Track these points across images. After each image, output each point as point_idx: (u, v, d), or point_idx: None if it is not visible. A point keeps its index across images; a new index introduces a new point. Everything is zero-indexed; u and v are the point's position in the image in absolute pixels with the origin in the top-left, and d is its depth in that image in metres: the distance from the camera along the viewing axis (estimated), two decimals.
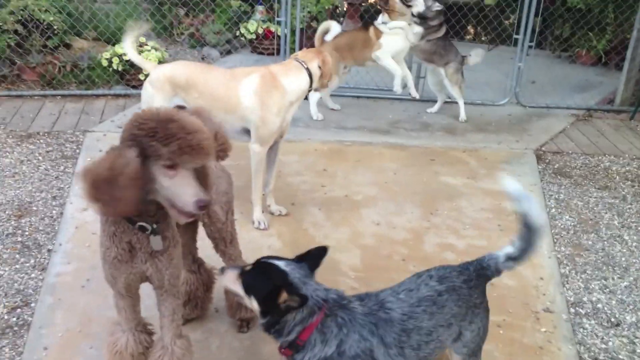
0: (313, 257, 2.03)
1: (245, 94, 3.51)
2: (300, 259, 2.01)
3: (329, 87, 5.24)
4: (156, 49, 6.02)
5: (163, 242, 2.02)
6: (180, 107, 3.69)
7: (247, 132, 3.63)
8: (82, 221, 3.59)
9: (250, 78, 3.53)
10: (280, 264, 1.94)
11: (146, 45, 6.01)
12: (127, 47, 3.71)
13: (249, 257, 3.13)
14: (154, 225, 1.97)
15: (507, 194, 2.03)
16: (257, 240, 3.50)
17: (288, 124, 3.66)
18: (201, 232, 2.65)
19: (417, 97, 5.48)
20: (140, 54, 5.83)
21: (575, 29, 8.05)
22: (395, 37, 5.23)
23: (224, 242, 2.66)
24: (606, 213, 4.06)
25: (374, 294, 2.09)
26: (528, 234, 2.00)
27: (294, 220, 3.77)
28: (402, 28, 5.21)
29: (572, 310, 3.02)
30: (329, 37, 5.36)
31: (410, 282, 2.13)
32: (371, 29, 5.35)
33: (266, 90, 3.48)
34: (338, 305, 1.95)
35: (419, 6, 5.25)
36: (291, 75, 3.50)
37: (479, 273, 2.13)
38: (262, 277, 1.92)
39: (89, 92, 5.82)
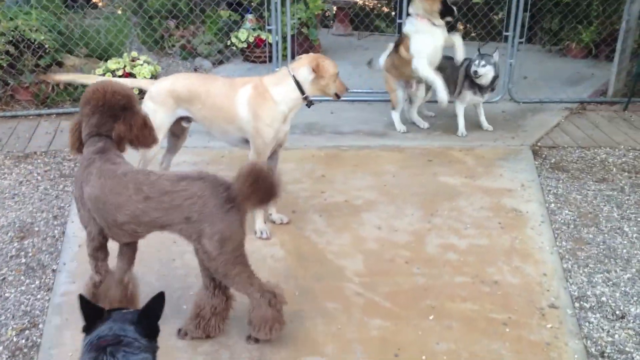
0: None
1: (241, 104, 3.53)
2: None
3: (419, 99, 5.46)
4: (148, 63, 6.03)
5: None
6: (184, 119, 3.74)
7: (247, 142, 3.65)
8: (84, 239, 3.57)
9: (245, 88, 3.56)
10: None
11: (138, 59, 6.03)
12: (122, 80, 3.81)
13: (254, 266, 3.15)
14: None
15: None
16: (260, 251, 3.51)
17: (286, 133, 3.67)
18: None
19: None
20: (132, 68, 5.89)
21: (564, 22, 8.10)
22: (422, 35, 5.03)
23: (217, 277, 2.64)
24: (605, 205, 4.08)
25: None
26: None
27: (296, 228, 3.78)
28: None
29: (576, 304, 3.04)
30: (382, 59, 5.45)
31: None
32: (401, 47, 5.16)
33: (258, 101, 3.50)
34: None
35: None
36: (279, 85, 3.52)
37: None
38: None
39: None
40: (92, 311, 1.83)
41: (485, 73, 5.10)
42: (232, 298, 2.79)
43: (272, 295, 2.66)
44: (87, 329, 1.82)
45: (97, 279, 2.82)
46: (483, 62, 5.09)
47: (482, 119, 5.53)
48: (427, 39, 5.00)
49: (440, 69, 5.20)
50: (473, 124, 5.55)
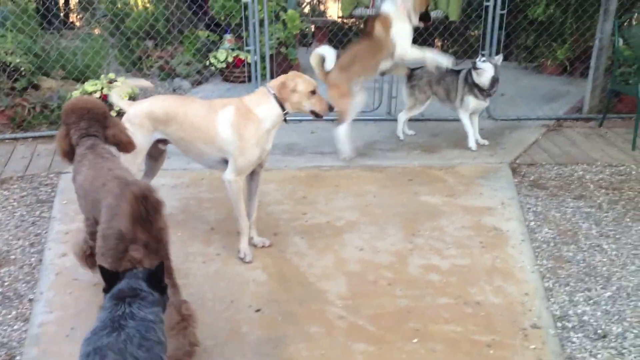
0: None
1: (222, 125, 3.52)
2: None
3: (346, 113, 5.00)
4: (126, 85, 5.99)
5: None
6: (161, 142, 3.72)
7: (226, 162, 3.63)
8: (61, 267, 3.53)
9: (226, 110, 3.55)
10: None
11: (116, 81, 5.99)
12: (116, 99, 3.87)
13: (236, 293, 3.13)
14: None
15: None
16: (242, 275, 3.47)
17: (268, 152, 3.67)
18: None
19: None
20: (110, 90, 5.85)
21: (539, 41, 8.24)
22: (403, 23, 5.05)
23: None
24: (584, 223, 4.12)
25: None
26: None
27: (278, 250, 3.76)
28: None
29: (559, 324, 3.05)
30: (329, 65, 5.02)
31: None
32: (377, 26, 5.03)
33: (242, 122, 3.49)
34: None
35: None
36: (261, 104, 3.52)
37: None
38: None
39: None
40: (110, 275, 2.21)
41: (485, 68, 5.19)
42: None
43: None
44: (107, 290, 2.19)
45: (91, 243, 3.05)
46: (484, 59, 5.25)
47: (476, 130, 5.60)
48: (407, 27, 5.08)
49: (440, 78, 5.27)
50: (452, 142, 5.59)
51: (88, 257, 3.17)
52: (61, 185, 4.64)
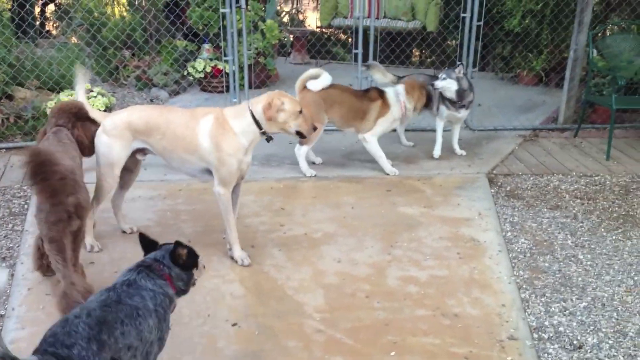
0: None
1: (202, 134, 3.53)
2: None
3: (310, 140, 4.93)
4: (103, 95, 5.93)
5: None
6: (141, 151, 3.68)
7: (209, 172, 3.64)
8: (34, 282, 3.46)
9: (206, 119, 3.55)
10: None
11: (92, 91, 5.91)
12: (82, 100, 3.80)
13: (213, 307, 3.09)
14: None
15: None
16: (219, 288, 3.44)
17: (248, 164, 3.66)
18: None
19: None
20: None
21: (515, 52, 8.34)
22: (391, 116, 5.14)
23: None
24: (559, 233, 4.16)
25: None
26: None
27: (255, 263, 3.72)
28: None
29: (535, 335, 3.06)
30: (314, 87, 5.03)
31: None
32: (375, 103, 5.09)
33: (219, 132, 3.50)
34: None
35: None
36: (238, 118, 3.52)
37: None
38: None
39: (35, 143, 5.66)
40: (148, 243, 2.49)
41: (444, 86, 5.26)
42: None
43: None
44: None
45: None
46: (444, 76, 5.28)
47: (455, 140, 5.69)
48: (390, 121, 5.16)
49: (424, 87, 5.35)
50: (430, 153, 5.61)
51: (39, 259, 3.40)
52: (35, 198, 4.56)
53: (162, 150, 3.65)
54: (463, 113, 5.54)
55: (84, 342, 1.98)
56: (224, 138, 3.48)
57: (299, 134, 3.58)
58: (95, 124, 3.71)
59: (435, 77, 5.49)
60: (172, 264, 2.39)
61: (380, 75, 5.73)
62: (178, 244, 2.39)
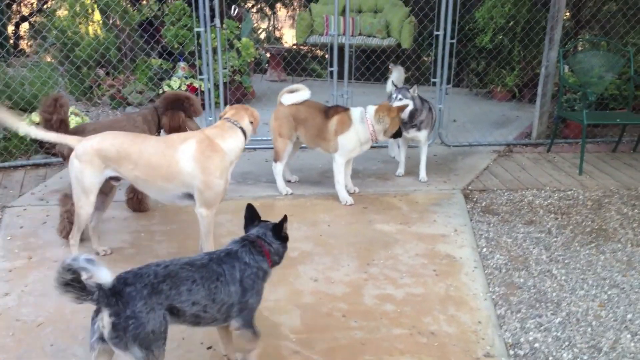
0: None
1: (185, 160, 3.47)
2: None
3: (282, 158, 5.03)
4: (76, 115, 5.86)
5: None
6: (114, 179, 3.62)
7: (189, 196, 3.60)
8: (3, 307, 3.38)
9: (187, 144, 3.50)
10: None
11: None
12: (35, 132, 3.63)
13: (187, 330, 3.05)
14: None
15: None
16: None
17: (228, 183, 3.65)
18: None
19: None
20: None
21: (488, 69, 8.46)
22: (355, 135, 4.87)
23: None
24: (534, 248, 4.19)
25: None
26: None
27: None
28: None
29: (511, 352, 3.07)
30: (285, 100, 5.01)
31: None
32: (335, 120, 4.88)
33: (206, 154, 3.47)
34: None
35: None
36: (227, 137, 3.53)
37: None
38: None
39: (6, 164, 5.58)
40: (251, 216, 2.87)
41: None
42: None
43: None
44: (245, 228, 2.86)
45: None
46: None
47: (421, 166, 5.49)
48: (355, 140, 4.88)
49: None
50: (406, 169, 5.63)
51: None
52: (6, 220, 4.48)
53: (134, 180, 3.57)
54: (412, 133, 5.34)
55: (141, 285, 2.31)
56: (212, 160, 3.47)
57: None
58: (189, 117, 4.37)
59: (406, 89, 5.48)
60: (272, 240, 2.75)
61: (397, 76, 5.73)
62: (285, 219, 2.77)
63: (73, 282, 2.13)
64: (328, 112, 4.98)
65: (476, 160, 6.10)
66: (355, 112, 4.90)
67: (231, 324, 2.65)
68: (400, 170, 5.61)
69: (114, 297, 2.25)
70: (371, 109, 4.84)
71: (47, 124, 3.92)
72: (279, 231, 2.77)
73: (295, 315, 3.39)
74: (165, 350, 2.37)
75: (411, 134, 5.35)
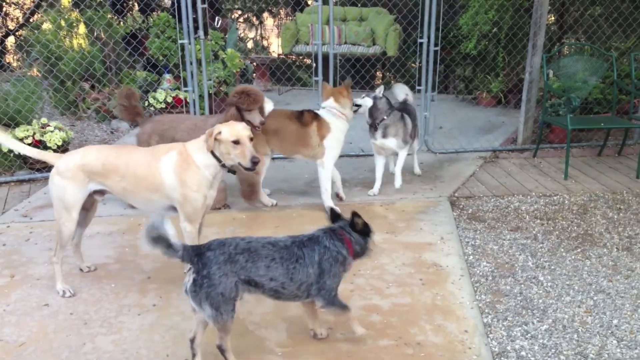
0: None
1: (166, 171, 3.45)
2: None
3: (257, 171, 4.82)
4: (60, 129, 5.83)
5: None
6: (98, 193, 3.59)
7: (174, 209, 3.57)
8: None
9: (168, 155, 3.48)
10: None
11: (49, 126, 5.82)
12: (14, 143, 3.62)
13: (172, 346, 3.02)
14: None
15: None
16: (178, 326, 3.35)
17: (213, 198, 3.60)
18: None
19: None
20: (43, 135, 5.66)
21: (473, 76, 8.50)
22: (339, 132, 4.87)
23: None
24: (520, 255, 4.19)
25: None
26: None
27: None
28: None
29: None
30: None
31: None
32: (313, 128, 4.83)
33: (183, 167, 3.43)
34: None
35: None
36: (199, 152, 3.44)
37: None
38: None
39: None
40: (335, 216, 3.11)
41: (362, 103, 5.14)
42: None
43: None
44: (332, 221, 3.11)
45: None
46: (364, 95, 5.19)
47: (396, 173, 5.32)
48: (342, 138, 4.91)
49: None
50: (392, 178, 5.61)
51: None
52: None
53: (121, 192, 3.55)
54: (380, 140, 5.19)
55: (220, 252, 2.70)
56: (188, 173, 3.42)
57: (241, 166, 3.36)
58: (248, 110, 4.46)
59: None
60: (352, 231, 2.97)
61: (397, 92, 5.75)
62: (355, 214, 2.97)
63: (159, 240, 2.56)
64: (301, 118, 4.88)
65: (462, 166, 6.11)
66: (325, 113, 4.88)
67: (316, 304, 2.99)
68: (374, 189, 5.36)
69: (196, 257, 2.68)
70: (331, 102, 4.86)
71: (125, 112, 4.80)
72: (353, 226, 2.99)
73: (281, 329, 3.36)
74: (234, 318, 2.75)
75: (379, 140, 5.21)
